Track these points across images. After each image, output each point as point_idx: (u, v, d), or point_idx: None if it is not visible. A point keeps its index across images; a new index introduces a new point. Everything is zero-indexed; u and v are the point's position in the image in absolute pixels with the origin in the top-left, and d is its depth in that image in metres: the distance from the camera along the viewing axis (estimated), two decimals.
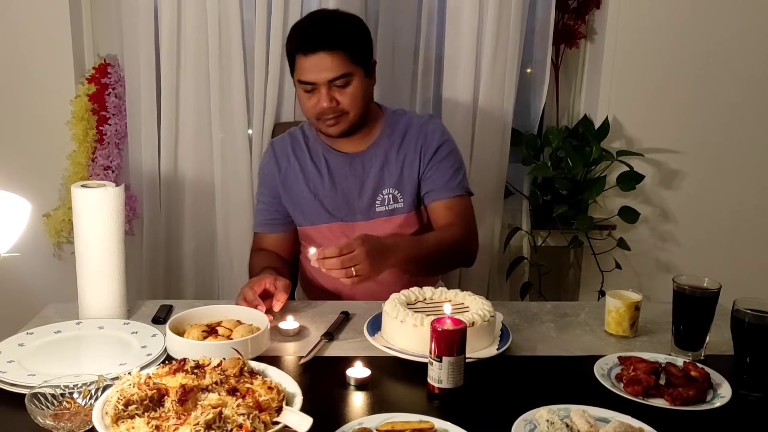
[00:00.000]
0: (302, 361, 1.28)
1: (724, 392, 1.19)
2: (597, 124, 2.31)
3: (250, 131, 2.19)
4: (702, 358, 1.34)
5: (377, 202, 1.72)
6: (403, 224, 1.73)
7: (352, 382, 1.20)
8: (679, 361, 1.28)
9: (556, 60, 2.34)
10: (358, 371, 1.21)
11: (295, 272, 1.89)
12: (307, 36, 1.59)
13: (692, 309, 1.34)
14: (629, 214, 2.30)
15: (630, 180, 2.28)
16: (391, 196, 1.71)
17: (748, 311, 1.24)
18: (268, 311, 1.43)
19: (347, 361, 1.25)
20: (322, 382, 1.22)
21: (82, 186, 1.40)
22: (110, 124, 2.14)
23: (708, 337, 1.36)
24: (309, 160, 1.74)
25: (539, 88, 2.32)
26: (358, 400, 1.17)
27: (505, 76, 2.22)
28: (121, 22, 2.11)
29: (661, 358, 1.29)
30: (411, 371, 1.25)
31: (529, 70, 2.37)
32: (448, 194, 1.71)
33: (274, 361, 1.26)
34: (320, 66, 1.56)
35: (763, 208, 2.46)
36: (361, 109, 1.63)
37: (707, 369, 1.23)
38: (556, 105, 2.40)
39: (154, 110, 2.14)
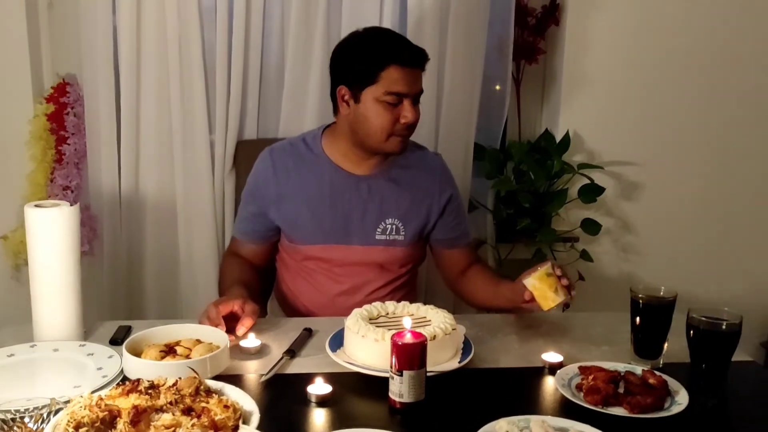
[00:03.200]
0: (263, 378, 1.27)
1: (681, 399, 1.20)
2: (558, 138, 2.35)
3: (213, 147, 2.18)
4: (660, 366, 1.36)
5: (378, 229, 1.69)
6: (400, 256, 1.73)
7: (314, 399, 1.19)
8: (638, 369, 1.29)
9: (517, 75, 2.37)
10: (319, 388, 1.20)
11: (268, 282, 1.88)
12: (409, 50, 1.61)
13: (649, 318, 1.36)
14: (591, 226, 2.33)
15: (591, 192, 2.31)
16: (394, 226, 1.70)
17: (702, 318, 1.26)
18: (229, 331, 1.41)
19: (309, 378, 1.24)
20: (283, 400, 1.21)
21: (36, 206, 1.38)
22: (69, 144, 2.11)
23: (666, 346, 1.38)
24: (311, 176, 1.68)
25: (501, 103, 2.35)
26: (319, 417, 1.16)
27: (467, 92, 2.25)
28: (79, 40, 2.08)
29: (621, 366, 1.31)
30: (373, 386, 1.24)
31: (498, 87, 2.39)
32: (464, 242, 1.80)
33: (235, 379, 1.25)
34: (415, 79, 1.60)
35: (718, 217, 2.51)
36: None
37: (665, 377, 1.25)
38: (518, 120, 2.43)
39: (114, 129, 2.11)
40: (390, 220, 1.70)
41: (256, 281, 1.70)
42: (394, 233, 1.70)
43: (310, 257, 1.71)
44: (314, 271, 1.73)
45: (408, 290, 1.80)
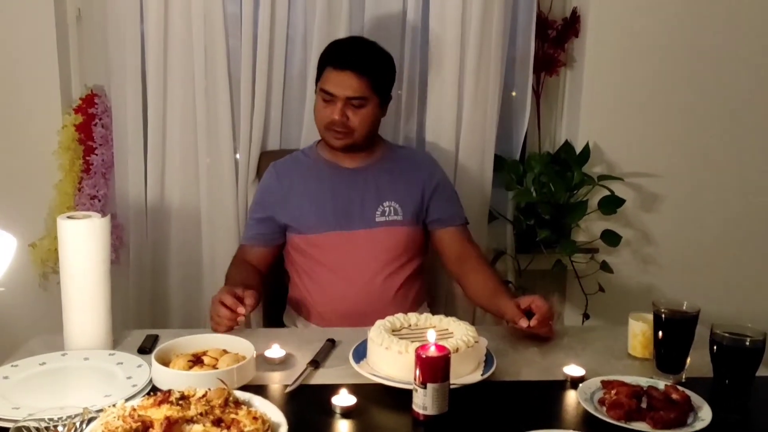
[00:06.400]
0: (288, 389, 1.29)
1: (704, 415, 1.21)
2: (578, 150, 2.35)
3: (237, 156, 2.21)
4: (683, 380, 1.36)
5: (378, 212, 1.83)
6: (402, 237, 1.84)
7: (338, 410, 1.21)
8: (661, 384, 1.29)
9: (537, 87, 2.38)
10: (343, 399, 1.22)
11: (277, 289, 1.96)
12: (343, 53, 1.79)
13: (672, 332, 1.37)
14: (611, 238, 2.33)
15: (611, 204, 2.31)
16: (392, 208, 1.83)
17: (725, 335, 1.26)
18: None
19: (333, 389, 1.26)
20: (308, 411, 1.23)
21: (68, 217, 1.41)
22: (97, 154, 2.15)
23: (688, 360, 1.38)
24: (311, 176, 1.87)
25: (521, 114, 2.36)
26: (343, 428, 1.18)
27: (487, 104, 2.26)
28: (108, 52, 2.13)
29: (643, 381, 1.31)
30: (396, 398, 1.26)
31: (513, 93, 2.40)
32: (458, 222, 1.90)
33: (260, 390, 1.27)
34: (345, 83, 1.74)
35: (741, 230, 2.49)
36: (367, 133, 1.81)
37: (688, 392, 1.25)
38: (538, 131, 2.44)
39: (140, 140, 2.15)
40: (387, 202, 1.83)
41: (260, 284, 1.79)
42: (392, 214, 1.83)
43: (317, 245, 1.80)
44: (323, 266, 1.81)
45: (418, 288, 1.87)
